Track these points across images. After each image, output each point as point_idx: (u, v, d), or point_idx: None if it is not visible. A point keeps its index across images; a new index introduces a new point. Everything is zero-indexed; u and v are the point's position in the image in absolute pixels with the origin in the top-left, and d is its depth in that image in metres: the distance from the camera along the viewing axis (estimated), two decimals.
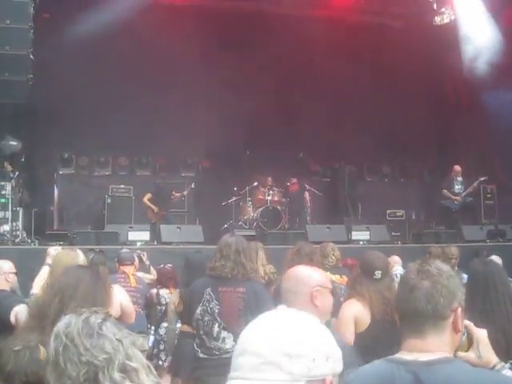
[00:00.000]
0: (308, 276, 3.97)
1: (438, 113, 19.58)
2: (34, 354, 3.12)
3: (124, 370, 2.13)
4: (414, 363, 2.54)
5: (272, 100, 17.47)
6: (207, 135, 16.80)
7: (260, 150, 17.66)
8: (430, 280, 2.64)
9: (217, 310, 5.72)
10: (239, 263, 5.69)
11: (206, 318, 5.75)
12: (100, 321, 2.23)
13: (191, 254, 8.12)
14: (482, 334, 2.94)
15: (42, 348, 2.83)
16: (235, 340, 5.58)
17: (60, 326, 2.22)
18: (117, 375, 2.10)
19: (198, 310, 5.83)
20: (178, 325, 8.01)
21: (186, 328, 6.57)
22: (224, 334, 5.65)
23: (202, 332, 5.75)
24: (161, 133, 16.98)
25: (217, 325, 5.69)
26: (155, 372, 2.28)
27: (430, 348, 2.58)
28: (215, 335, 5.67)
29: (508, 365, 2.86)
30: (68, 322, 2.21)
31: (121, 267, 9.23)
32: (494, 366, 2.84)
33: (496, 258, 8.63)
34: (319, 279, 3.97)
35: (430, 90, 19.05)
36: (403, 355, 2.60)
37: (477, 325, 2.94)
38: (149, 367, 2.24)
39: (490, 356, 2.90)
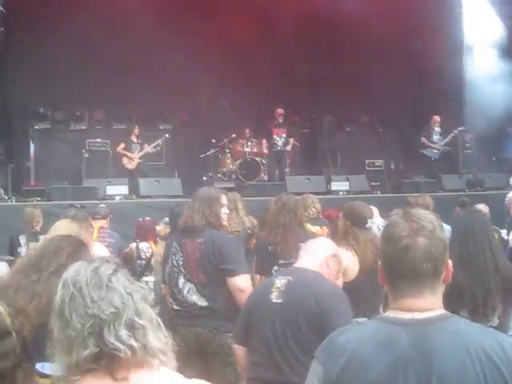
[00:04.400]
0: (330, 243, 4.49)
1: (416, 62, 19.43)
2: None
3: (131, 326, 2.05)
4: (413, 322, 2.36)
5: (250, 51, 17.29)
6: (185, 87, 16.65)
7: (238, 101, 17.50)
8: (426, 236, 2.41)
9: (181, 262, 5.73)
10: (202, 214, 5.67)
11: (173, 271, 5.78)
12: (110, 272, 2.13)
13: (174, 207, 8.02)
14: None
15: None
16: (197, 291, 5.60)
17: (69, 273, 2.12)
18: (123, 332, 2.03)
19: (169, 263, 5.86)
20: None
21: None
22: (188, 285, 5.66)
23: (172, 284, 5.78)
24: (137, 85, 16.72)
25: (182, 276, 5.70)
26: (164, 329, 2.19)
27: (429, 306, 2.39)
28: (181, 287, 5.68)
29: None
30: (77, 270, 2.11)
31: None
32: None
33: (482, 207, 8.63)
34: (337, 251, 4.42)
35: (407, 40, 18.86)
36: (397, 314, 2.41)
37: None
38: (158, 324, 2.16)
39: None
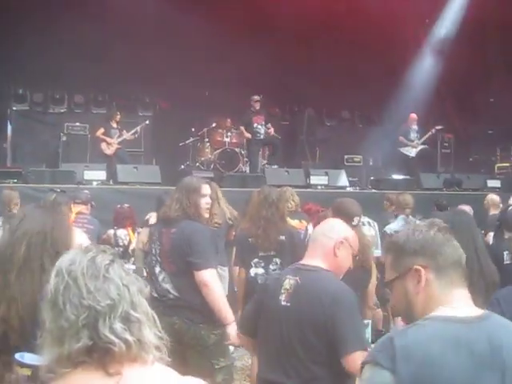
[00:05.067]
0: (339, 227, 4.19)
1: (399, 59, 19.47)
2: None
3: (127, 319, 1.99)
4: (470, 319, 2.34)
5: (232, 41, 17.20)
6: (166, 75, 16.55)
7: (219, 91, 17.43)
8: (447, 232, 2.56)
9: (158, 251, 5.72)
10: (180, 204, 5.64)
11: (151, 259, 5.78)
12: (107, 262, 2.06)
13: (162, 195, 7.96)
14: None
15: None
16: (171, 281, 5.54)
17: (63, 262, 2.05)
18: (118, 325, 1.96)
19: (151, 252, 5.86)
20: None
21: None
22: (163, 274, 5.64)
23: (151, 272, 5.79)
24: (118, 71, 16.60)
25: (158, 265, 5.69)
26: (159, 324, 2.14)
27: (469, 301, 2.45)
28: (157, 275, 5.66)
29: None
30: (72, 259, 2.04)
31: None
32: None
33: (467, 208, 8.68)
34: (346, 233, 4.13)
35: (390, 35, 18.88)
36: (448, 313, 2.36)
37: None
38: (154, 319, 2.11)
39: None
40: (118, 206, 9.79)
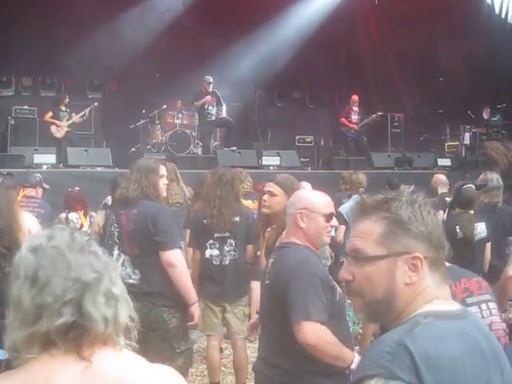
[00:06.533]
0: (299, 198, 4.06)
1: (349, 40, 19.57)
2: None
3: (108, 295, 1.94)
4: (463, 314, 2.02)
5: (184, 22, 17.09)
6: (115, 56, 16.36)
7: (170, 72, 17.31)
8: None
9: (116, 234, 5.66)
10: (138, 185, 5.58)
11: (109, 242, 5.69)
12: (87, 238, 2.02)
13: (116, 176, 7.84)
14: None
15: None
16: (132, 264, 5.46)
17: (39, 239, 1.96)
18: (101, 300, 1.91)
19: (107, 235, 5.79)
20: None
21: None
22: (123, 256, 5.58)
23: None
24: (66, 53, 16.36)
25: (116, 248, 5.63)
26: (131, 304, 2.07)
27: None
28: (115, 259, 5.54)
29: None
30: (50, 235, 1.96)
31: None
32: None
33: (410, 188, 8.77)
34: (306, 202, 3.98)
35: (343, 15, 18.95)
36: (444, 306, 2.01)
37: None
38: (127, 298, 2.04)
39: None
40: (69, 189, 9.64)
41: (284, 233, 4.27)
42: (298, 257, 3.87)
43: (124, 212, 5.62)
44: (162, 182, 5.74)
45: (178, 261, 5.49)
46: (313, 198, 4.04)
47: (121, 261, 5.57)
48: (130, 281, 5.46)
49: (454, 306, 2.03)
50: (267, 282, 3.99)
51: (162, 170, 5.79)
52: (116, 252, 5.61)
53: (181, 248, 5.73)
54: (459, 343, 1.89)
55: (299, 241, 3.94)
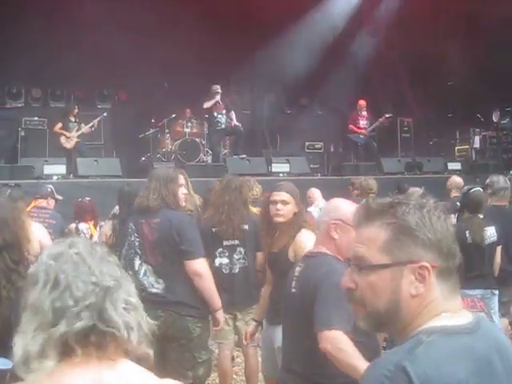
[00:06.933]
0: (336, 208, 3.99)
1: (357, 45, 19.55)
2: None
3: (128, 303, 1.94)
4: (474, 328, 1.86)
5: (190, 31, 17.10)
6: (124, 66, 16.40)
7: (178, 81, 17.32)
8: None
9: (137, 243, 5.63)
10: (158, 194, 5.58)
11: (129, 252, 5.66)
12: (106, 249, 2.04)
13: (124, 186, 7.84)
14: None
15: None
16: (155, 273, 5.42)
17: (60, 246, 1.98)
18: (122, 305, 1.91)
19: (125, 245, 5.74)
20: None
21: None
22: (144, 267, 5.56)
23: (128, 266, 5.60)
24: (76, 63, 16.44)
25: (138, 258, 5.60)
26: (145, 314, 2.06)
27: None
28: (137, 269, 5.56)
29: None
30: (71, 243, 1.98)
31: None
32: None
33: (418, 190, 8.71)
34: (341, 213, 3.92)
35: (350, 21, 18.95)
36: (452, 320, 1.86)
37: None
38: (143, 311, 2.02)
39: None
40: (79, 199, 9.66)
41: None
42: (327, 267, 3.83)
43: (145, 221, 5.61)
44: (181, 191, 5.75)
45: (203, 269, 5.54)
46: (349, 210, 3.87)
47: (143, 270, 5.56)
48: (154, 290, 5.47)
49: (465, 319, 1.87)
50: (294, 290, 3.95)
51: (181, 180, 5.82)
52: (138, 262, 5.60)
53: (204, 257, 5.74)
54: (466, 364, 1.74)
55: (329, 251, 3.92)
